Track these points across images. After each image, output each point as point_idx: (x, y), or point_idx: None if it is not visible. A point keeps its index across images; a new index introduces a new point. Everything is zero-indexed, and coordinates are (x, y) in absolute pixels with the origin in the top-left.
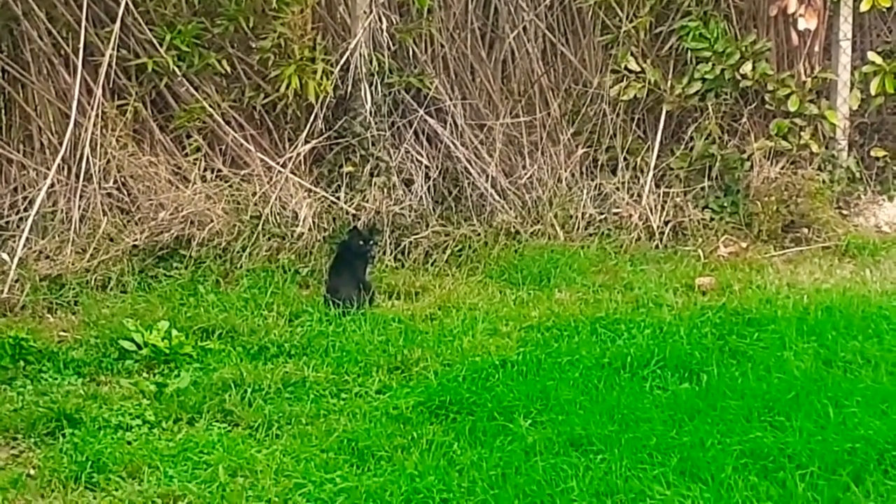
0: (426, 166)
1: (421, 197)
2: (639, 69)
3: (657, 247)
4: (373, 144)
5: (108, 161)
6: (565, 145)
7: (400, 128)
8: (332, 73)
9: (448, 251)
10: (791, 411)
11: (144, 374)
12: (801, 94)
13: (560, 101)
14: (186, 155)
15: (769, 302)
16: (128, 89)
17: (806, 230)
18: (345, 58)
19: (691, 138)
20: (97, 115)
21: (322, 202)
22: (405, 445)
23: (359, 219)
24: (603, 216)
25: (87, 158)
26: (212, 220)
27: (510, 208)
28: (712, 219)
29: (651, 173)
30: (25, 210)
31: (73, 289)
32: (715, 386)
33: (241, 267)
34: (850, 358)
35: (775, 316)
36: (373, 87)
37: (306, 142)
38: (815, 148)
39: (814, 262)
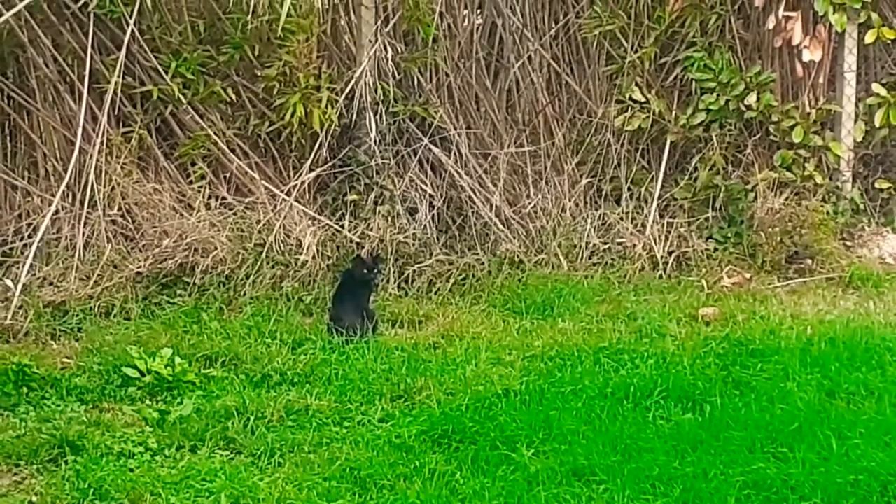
0: (430, 195)
1: (425, 225)
2: (643, 99)
3: (661, 277)
4: (377, 173)
5: (113, 188)
6: (569, 175)
7: (404, 156)
8: (336, 101)
9: (452, 280)
10: (794, 442)
11: (147, 402)
12: (806, 126)
13: (564, 131)
14: (191, 182)
15: (773, 333)
16: (133, 116)
17: (810, 261)
18: (350, 86)
19: (695, 169)
20: (102, 143)
21: (326, 230)
22: (408, 474)
23: (363, 247)
24: (607, 246)
25: (92, 185)
26: (216, 248)
27: (514, 237)
28: (716, 249)
29: (655, 203)
30: (30, 236)
31: (77, 315)
32: (718, 417)
33: (244, 294)
34: (853, 389)
35: (779, 347)
36: (377, 116)
37: (311, 170)
38: (819, 179)
39: (817, 294)
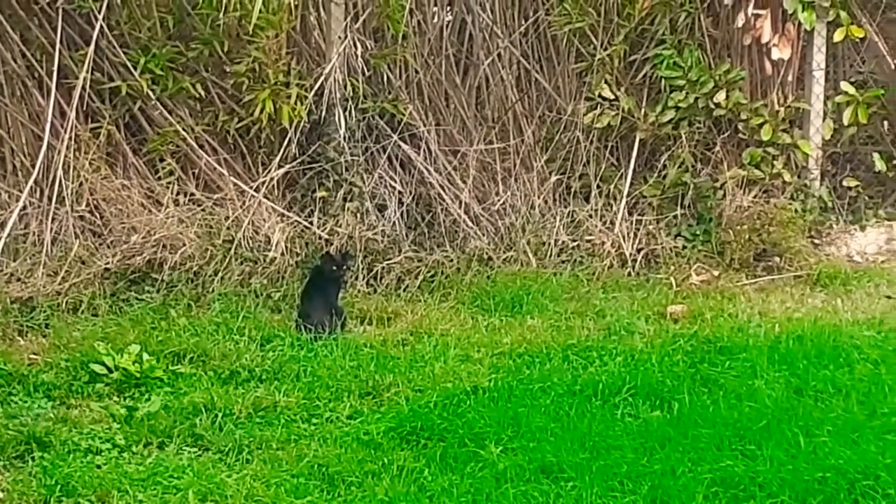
0: (399, 192)
1: (394, 222)
2: (613, 97)
3: (629, 274)
4: (346, 170)
5: (81, 184)
6: (539, 172)
7: (373, 153)
8: (306, 97)
9: (420, 277)
10: (762, 440)
11: (115, 398)
12: (775, 124)
13: (534, 128)
14: (159, 178)
15: (741, 330)
16: (101, 112)
17: (778, 259)
18: (319, 83)
19: (664, 166)
20: (70, 138)
21: (295, 227)
22: (376, 471)
23: (331, 244)
24: (576, 243)
25: (60, 181)
26: (184, 244)
27: (483, 235)
28: (685, 247)
29: (624, 201)
30: None
31: (44, 311)
32: (686, 414)
33: (212, 291)
34: (821, 387)
35: (747, 344)
36: (347, 113)
37: (280, 166)
38: (787, 177)
39: (785, 291)
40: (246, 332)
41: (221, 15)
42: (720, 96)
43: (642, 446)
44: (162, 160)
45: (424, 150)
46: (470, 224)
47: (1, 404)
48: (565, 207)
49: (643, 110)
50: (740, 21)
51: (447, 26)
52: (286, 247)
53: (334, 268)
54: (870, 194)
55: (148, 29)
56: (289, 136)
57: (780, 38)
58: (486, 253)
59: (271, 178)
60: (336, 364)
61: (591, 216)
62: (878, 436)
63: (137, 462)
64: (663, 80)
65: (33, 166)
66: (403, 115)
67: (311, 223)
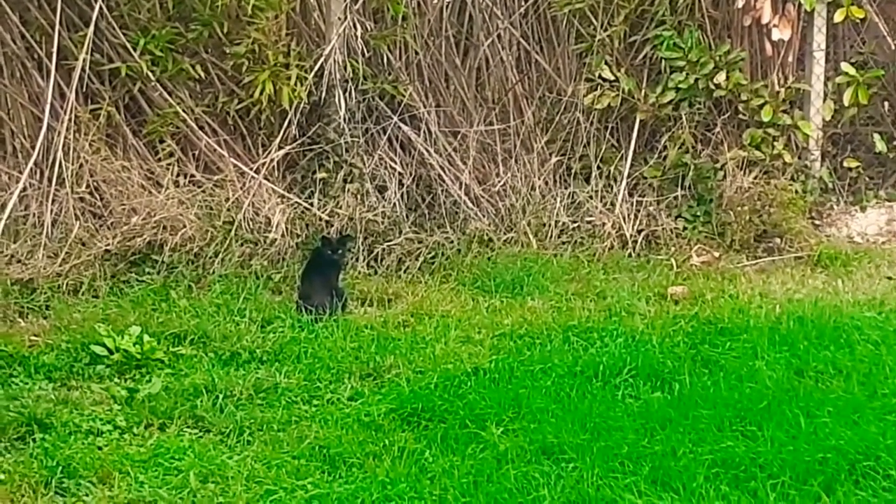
0: (400, 173)
1: (394, 204)
2: (613, 78)
3: (630, 255)
4: (346, 151)
5: (81, 165)
6: (539, 153)
7: (374, 134)
8: (306, 79)
9: (421, 258)
10: (763, 421)
11: (116, 380)
12: (775, 105)
13: (534, 109)
14: (159, 160)
15: (741, 311)
16: (101, 94)
17: (778, 240)
18: (319, 64)
19: (665, 147)
20: (70, 120)
21: (295, 208)
22: (377, 452)
23: (332, 225)
24: (576, 224)
25: (60, 162)
26: (184, 226)
27: (483, 216)
28: (685, 228)
29: (624, 182)
30: None
31: (45, 293)
32: (687, 395)
33: (213, 272)
34: (821, 368)
35: (747, 325)
36: (347, 94)
37: (280, 148)
38: (788, 158)
39: (786, 272)
40: (247, 313)
41: None
42: (720, 77)
43: (643, 427)
44: (162, 141)
45: (425, 132)
46: (470, 205)
47: (2, 386)
48: (566, 188)
49: (643, 91)
50: (740, 2)
51: (447, 7)
52: (286, 228)
53: (330, 252)
54: (870, 175)
55: (147, 10)
56: (289, 117)
57: (781, 19)
58: (487, 234)
59: (271, 160)
60: (337, 345)
61: (591, 197)
62: (878, 416)
63: (138, 443)
64: (663, 61)
65: (33, 148)
66: (403, 96)
67: (311, 204)
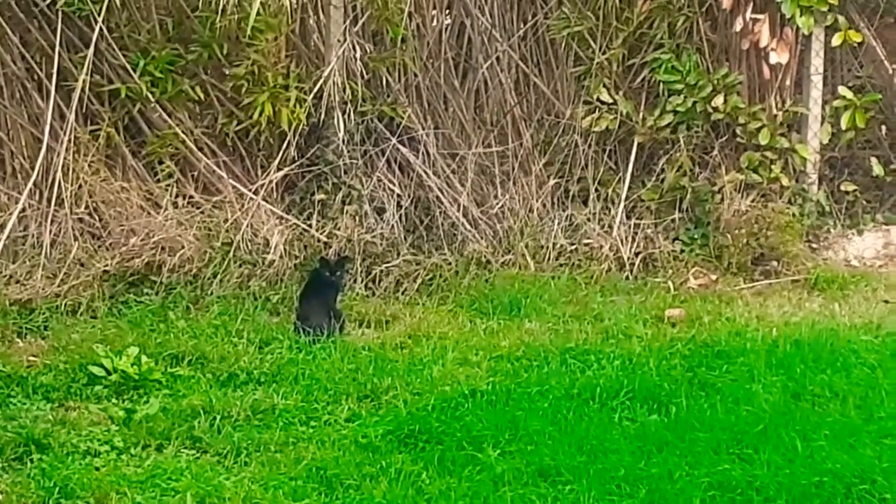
0: (398, 195)
1: (392, 225)
2: (611, 101)
3: (627, 278)
4: (345, 172)
5: (80, 186)
6: (537, 176)
7: (372, 156)
8: (305, 100)
9: (419, 280)
10: (759, 444)
11: (113, 400)
12: (773, 128)
13: (532, 132)
14: (158, 181)
15: (738, 334)
16: (101, 115)
17: (775, 263)
18: (318, 86)
19: (662, 170)
20: (69, 141)
21: (294, 229)
22: (374, 474)
23: (330, 247)
24: (574, 247)
25: (59, 183)
26: (183, 247)
27: (481, 238)
28: (682, 251)
29: (622, 205)
30: None
31: (43, 314)
32: (684, 418)
33: (211, 294)
34: (818, 391)
35: (744, 348)
36: (346, 116)
37: (279, 169)
38: (785, 181)
39: (783, 296)
40: (244, 334)
41: (220, 18)
42: (718, 100)
43: (640, 450)
44: (161, 163)
45: (423, 154)
46: (468, 227)
47: (0, 406)
48: (563, 211)
49: (641, 114)
50: (738, 25)
51: (446, 30)
52: (285, 249)
53: (328, 273)
54: (867, 199)
55: (147, 31)
56: (288, 138)
57: (779, 43)
58: (485, 256)
59: (270, 181)
60: (334, 367)
61: (589, 220)
62: (874, 440)
63: (136, 464)
64: (661, 84)
65: (33, 168)
66: (402, 118)
67: (309, 226)
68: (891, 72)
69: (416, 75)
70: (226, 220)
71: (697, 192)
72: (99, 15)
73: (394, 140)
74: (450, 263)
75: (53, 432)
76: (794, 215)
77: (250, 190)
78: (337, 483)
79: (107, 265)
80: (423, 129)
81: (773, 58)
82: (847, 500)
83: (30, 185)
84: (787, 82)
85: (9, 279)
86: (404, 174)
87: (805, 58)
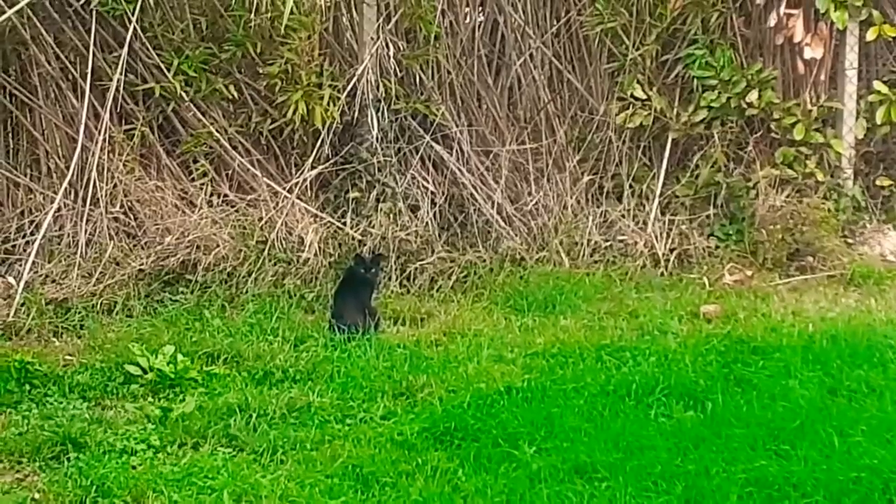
0: (432, 192)
1: (427, 223)
2: (645, 97)
3: (662, 274)
4: (379, 170)
5: (115, 185)
6: (571, 172)
7: (406, 154)
8: (338, 98)
9: (453, 277)
10: (796, 440)
11: (149, 399)
12: (807, 123)
13: (566, 129)
14: (193, 180)
15: (774, 330)
16: (135, 114)
17: (811, 259)
18: (352, 84)
19: (697, 166)
20: (104, 140)
21: (328, 228)
22: (410, 472)
23: (364, 244)
24: (608, 243)
25: (94, 183)
26: (218, 245)
27: (516, 235)
28: (717, 247)
29: (656, 201)
30: (32, 234)
31: (79, 313)
32: (720, 414)
33: (246, 292)
34: (855, 387)
35: (780, 344)
36: (379, 114)
37: (313, 167)
38: (820, 176)
39: (819, 291)
40: (280, 332)
41: (253, 16)
42: (752, 96)
43: (676, 446)
44: (195, 161)
45: (457, 151)
46: (502, 224)
47: (37, 405)
48: (598, 207)
49: (675, 110)
50: (772, 20)
51: (479, 27)
52: (319, 247)
53: (363, 270)
54: None
55: (181, 31)
56: (321, 137)
57: (813, 38)
58: (519, 253)
59: (304, 179)
60: (369, 365)
61: (623, 216)
62: None
63: (172, 462)
64: (695, 80)
65: (68, 168)
66: (436, 115)
67: (344, 224)
68: None
69: (449, 73)
70: (260, 219)
71: (732, 187)
72: (133, 14)
73: (427, 137)
74: (484, 260)
75: (90, 431)
76: (829, 210)
77: (284, 188)
78: (373, 481)
79: (142, 264)
80: (457, 126)
81: (808, 53)
82: (885, 495)
83: (65, 184)
84: (822, 77)
85: (45, 278)
86: (438, 172)
87: (839, 52)
